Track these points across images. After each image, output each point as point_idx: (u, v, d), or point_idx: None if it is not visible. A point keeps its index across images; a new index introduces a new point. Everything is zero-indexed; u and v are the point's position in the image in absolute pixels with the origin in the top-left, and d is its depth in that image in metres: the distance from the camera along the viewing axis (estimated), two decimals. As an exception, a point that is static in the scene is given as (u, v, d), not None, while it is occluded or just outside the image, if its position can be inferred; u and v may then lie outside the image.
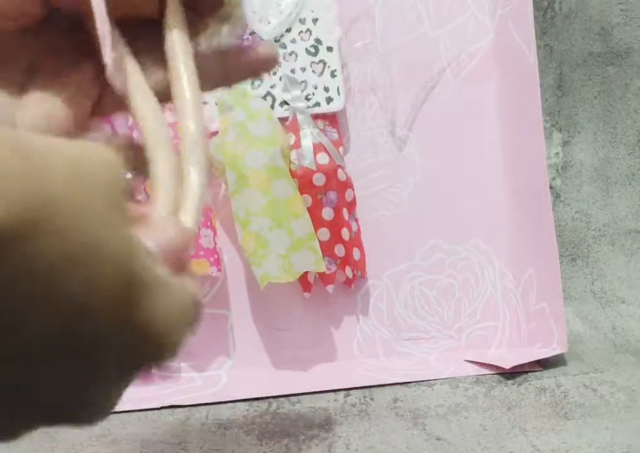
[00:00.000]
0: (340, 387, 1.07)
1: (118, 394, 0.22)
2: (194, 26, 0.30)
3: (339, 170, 1.11)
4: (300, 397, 1.06)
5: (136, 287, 0.19)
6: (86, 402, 0.20)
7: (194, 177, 0.26)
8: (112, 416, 1.03)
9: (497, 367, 1.10)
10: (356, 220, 1.15)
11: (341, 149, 1.16)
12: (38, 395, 0.19)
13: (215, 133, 1.10)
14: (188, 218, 0.26)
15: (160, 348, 0.22)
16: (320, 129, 1.14)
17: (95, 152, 0.19)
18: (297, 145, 1.11)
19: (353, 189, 1.13)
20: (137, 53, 0.30)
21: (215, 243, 1.07)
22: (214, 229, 1.06)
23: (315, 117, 1.14)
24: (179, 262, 0.22)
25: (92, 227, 0.18)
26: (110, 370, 0.20)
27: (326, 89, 1.14)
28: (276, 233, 1.05)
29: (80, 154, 0.19)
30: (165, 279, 0.21)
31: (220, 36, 0.31)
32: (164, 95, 0.29)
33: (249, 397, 1.04)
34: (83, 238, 0.17)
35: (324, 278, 1.11)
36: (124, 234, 0.19)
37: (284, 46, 1.13)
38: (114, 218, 0.18)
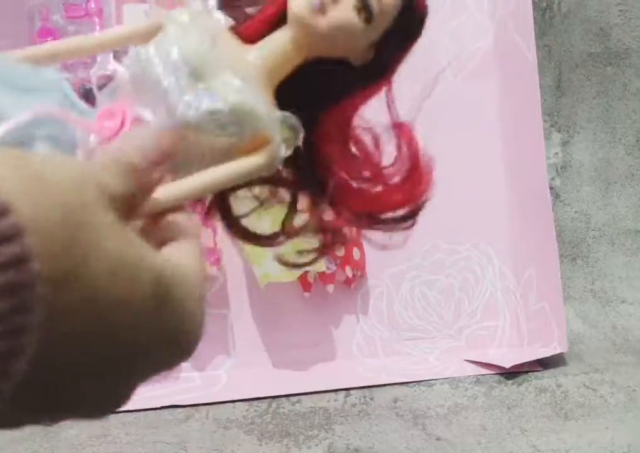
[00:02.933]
0: (340, 387, 1.07)
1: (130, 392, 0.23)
2: None
3: (339, 170, 1.11)
4: (300, 397, 1.06)
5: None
6: (112, 397, 0.22)
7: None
8: (112, 416, 1.03)
9: (497, 367, 1.10)
10: (356, 220, 1.15)
11: (340, 149, 1.15)
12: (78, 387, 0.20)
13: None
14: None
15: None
16: (320, 129, 1.14)
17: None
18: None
19: (353, 189, 1.13)
20: None
21: (216, 243, 1.06)
22: (214, 228, 1.06)
23: (315, 117, 1.14)
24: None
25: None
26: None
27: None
28: (277, 233, 1.04)
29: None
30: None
31: None
32: None
33: (249, 397, 1.04)
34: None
35: (323, 278, 1.11)
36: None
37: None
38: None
